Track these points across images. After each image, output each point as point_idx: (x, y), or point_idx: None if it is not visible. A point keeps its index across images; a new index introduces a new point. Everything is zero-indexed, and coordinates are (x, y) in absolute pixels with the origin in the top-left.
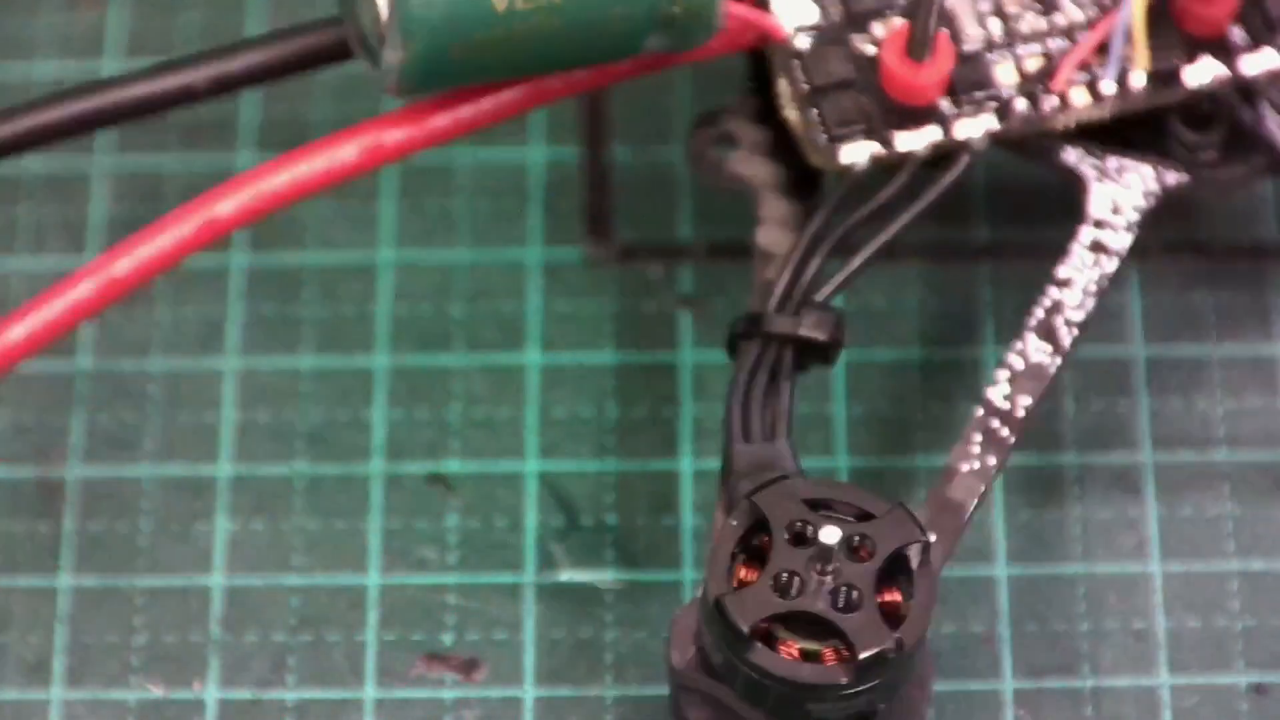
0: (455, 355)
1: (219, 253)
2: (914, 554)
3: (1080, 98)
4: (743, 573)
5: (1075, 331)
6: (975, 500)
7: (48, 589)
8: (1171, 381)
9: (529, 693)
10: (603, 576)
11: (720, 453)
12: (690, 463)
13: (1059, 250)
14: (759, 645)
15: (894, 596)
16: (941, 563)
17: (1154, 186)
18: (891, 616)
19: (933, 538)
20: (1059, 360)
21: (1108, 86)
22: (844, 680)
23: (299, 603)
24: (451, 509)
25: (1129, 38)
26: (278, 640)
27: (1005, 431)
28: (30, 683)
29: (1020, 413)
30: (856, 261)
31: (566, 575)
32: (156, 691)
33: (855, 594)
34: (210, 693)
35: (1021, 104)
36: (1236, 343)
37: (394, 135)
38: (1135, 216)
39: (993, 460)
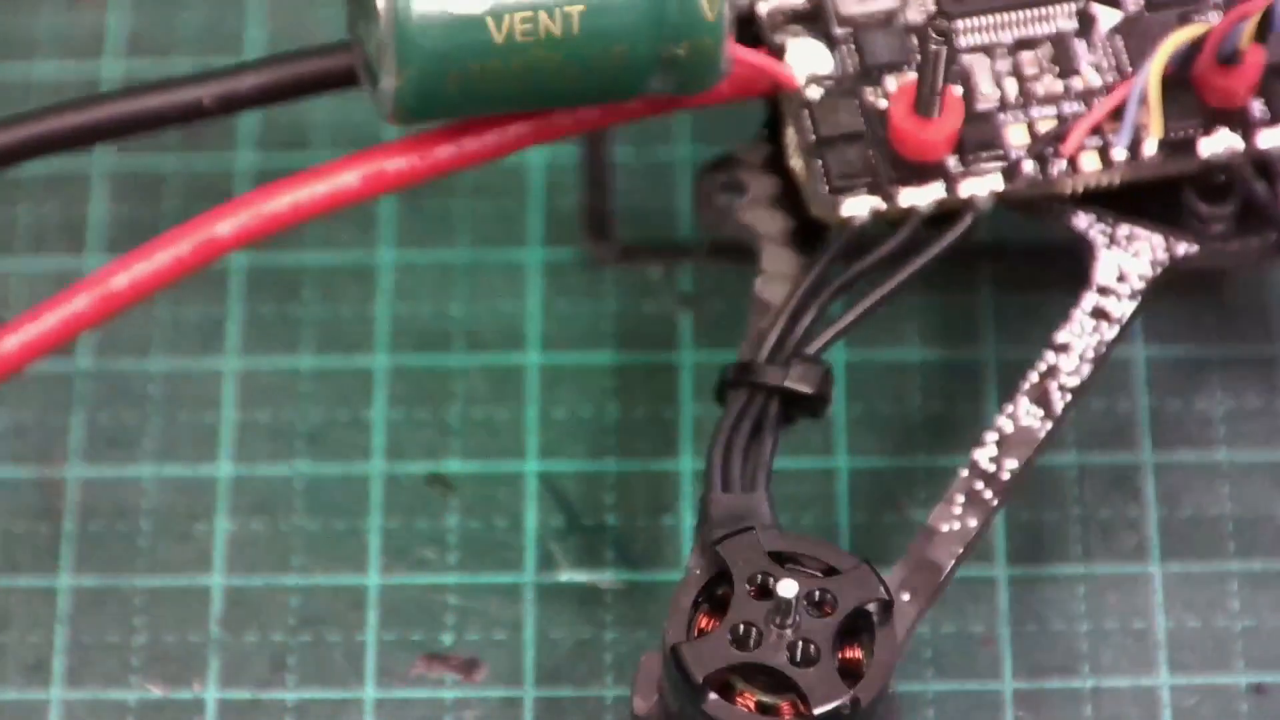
0: (455, 355)
1: None
2: (875, 611)
3: (1090, 163)
4: (703, 622)
5: (1069, 397)
6: (953, 561)
7: (48, 589)
8: (1171, 381)
9: (529, 693)
10: (602, 576)
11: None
12: (690, 463)
13: (1060, 251)
14: (714, 696)
15: (855, 653)
16: (915, 622)
17: (1163, 256)
18: (851, 673)
19: (906, 597)
20: (1050, 425)
21: (1119, 153)
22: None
23: (299, 603)
24: (451, 509)
25: (1145, 104)
26: (277, 640)
27: (989, 494)
28: (30, 683)
29: (1005, 475)
30: (851, 316)
31: (566, 575)
32: (156, 691)
33: (813, 648)
34: (210, 693)
35: (1029, 166)
36: (1236, 343)
37: (396, 164)
38: (1140, 285)
39: (974, 522)
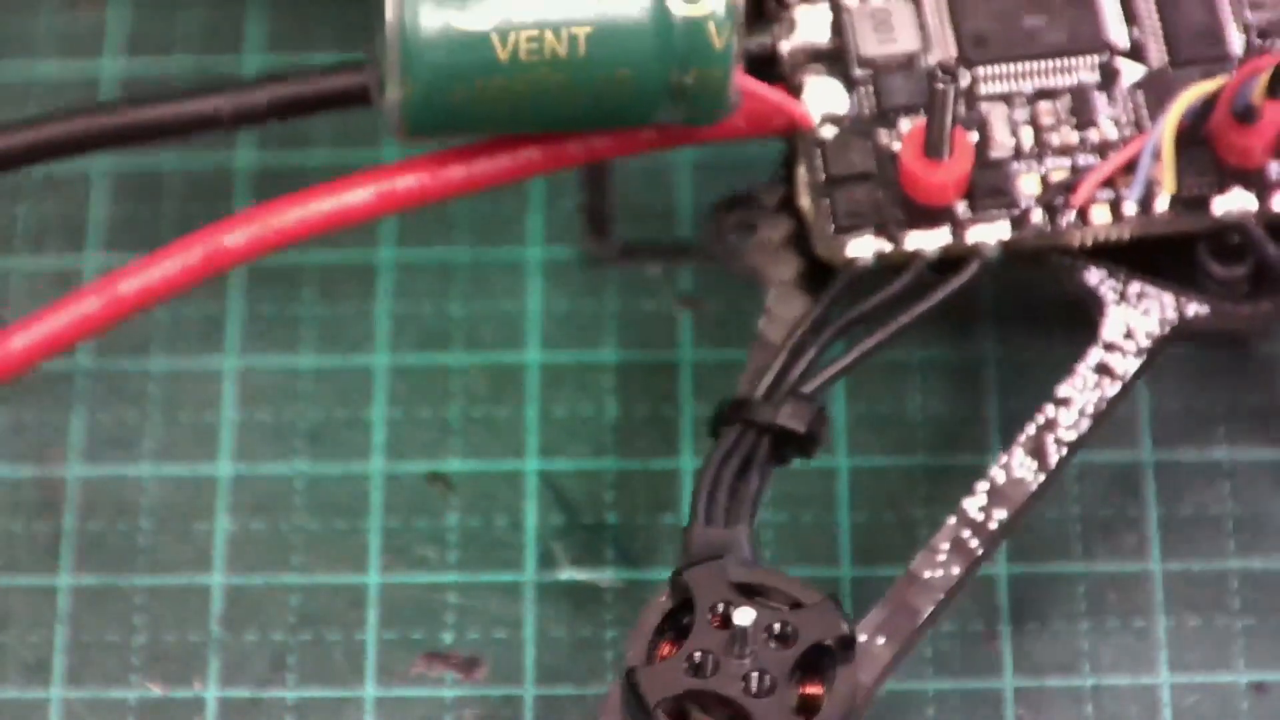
0: (455, 354)
1: None
2: (835, 647)
3: (1101, 215)
4: (665, 649)
5: (1065, 451)
6: (933, 608)
7: (48, 588)
8: (1172, 381)
9: (529, 691)
10: (603, 575)
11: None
12: (690, 462)
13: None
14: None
15: (815, 689)
16: (889, 667)
17: (1173, 316)
18: (811, 708)
19: (881, 640)
20: (1043, 478)
21: (1130, 207)
22: None
23: (299, 601)
24: (451, 508)
25: (1159, 159)
26: (278, 639)
27: (975, 543)
28: (30, 682)
29: (994, 525)
30: (850, 358)
31: (566, 574)
32: (156, 691)
33: (769, 680)
34: (210, 692)
35: (1038, 215)
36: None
37: (407, 182)
38: (1147, 344)
39: (957, 570)
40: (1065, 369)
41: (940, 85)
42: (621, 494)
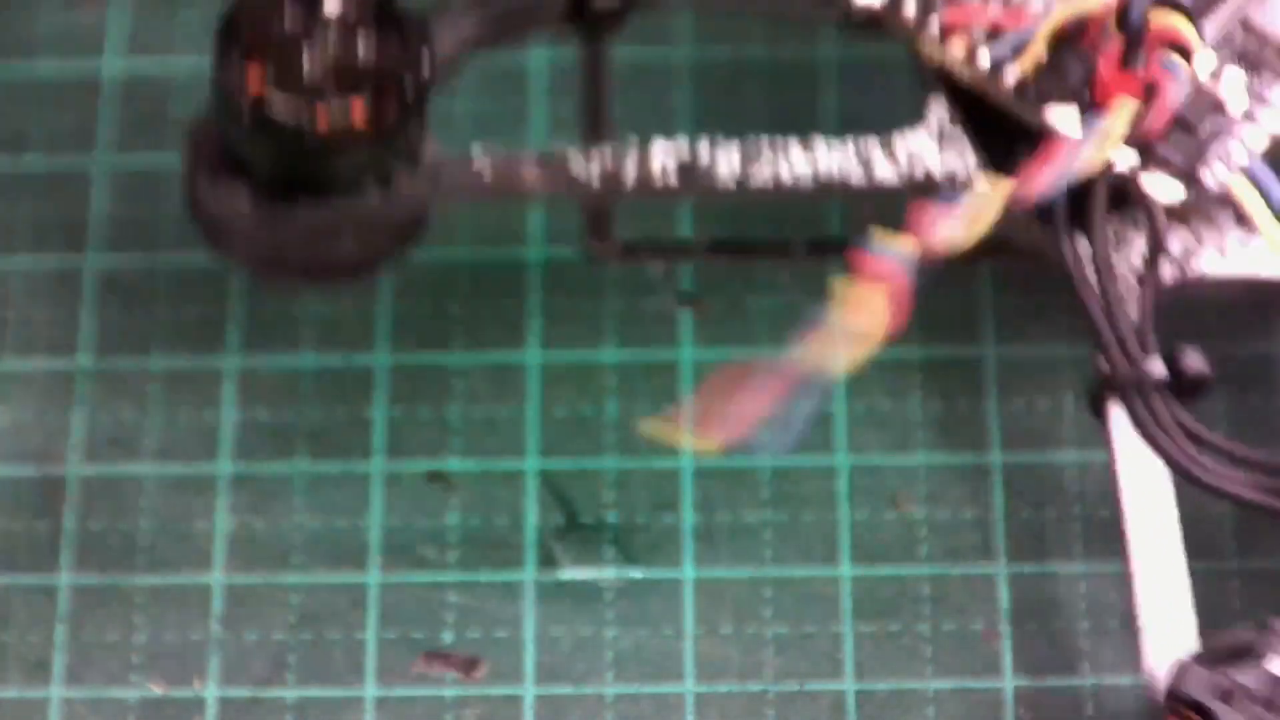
0: (455, 353)
1: None
2: (406, 89)
3: (955, 47)
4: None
5: (765, 179)
6: (539, 188)
7: (48, 587)
8: None
9: (529, 690)
10: (603, 574)
11: None
12: (690, 460)
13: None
14: (232, 31)
15: (363, 109)
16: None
17: (962, 173)
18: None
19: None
20: (731, 186)
21: (983, 57)
22: (253, 93)
23: (299, 601)
24: (451, 507)
25: (1032, 39)
26: (278, 638)
27: (630, 175)
28: (30, 681)
29: (657, 181)
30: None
31: (566, 573)
32: (157, 690)
33: (335, 45)
34: (210, 691)
35: (913, 8)
36: (1236, 342)
37: None
38: (920, 174)
39: (596, 185)
40: (1065, 368)
41: None
42: (621, 494)
